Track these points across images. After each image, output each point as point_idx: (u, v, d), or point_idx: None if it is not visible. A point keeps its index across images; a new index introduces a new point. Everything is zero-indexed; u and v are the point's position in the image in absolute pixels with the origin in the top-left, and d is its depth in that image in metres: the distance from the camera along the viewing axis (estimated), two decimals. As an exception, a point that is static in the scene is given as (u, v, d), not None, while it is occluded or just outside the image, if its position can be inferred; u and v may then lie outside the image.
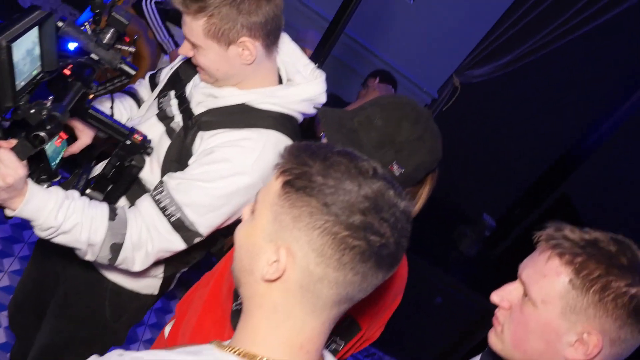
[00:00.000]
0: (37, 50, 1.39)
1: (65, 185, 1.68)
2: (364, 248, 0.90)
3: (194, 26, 1.53)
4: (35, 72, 1.41)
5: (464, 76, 5.06)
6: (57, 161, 1.66)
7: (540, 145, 5.37)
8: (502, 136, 5.40)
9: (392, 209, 0.93)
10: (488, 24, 4.66)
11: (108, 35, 1.51)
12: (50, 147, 1.62)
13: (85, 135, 1.70)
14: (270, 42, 1.62)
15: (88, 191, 1.70)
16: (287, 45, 1.75)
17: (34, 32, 1.36)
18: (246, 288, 1.02)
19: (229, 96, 1.63)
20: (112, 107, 1.72)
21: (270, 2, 1.55)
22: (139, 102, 1.92)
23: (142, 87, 1.97)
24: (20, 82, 1.34)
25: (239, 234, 1.04)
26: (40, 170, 1.59)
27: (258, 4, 1.53)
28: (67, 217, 1.48)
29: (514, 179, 5.49)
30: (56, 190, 1.49)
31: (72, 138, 1.73)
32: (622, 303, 1.17)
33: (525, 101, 5.27)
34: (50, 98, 1.38)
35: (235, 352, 0.96)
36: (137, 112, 1.88)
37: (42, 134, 1.32)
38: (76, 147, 1.69)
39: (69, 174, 1.80)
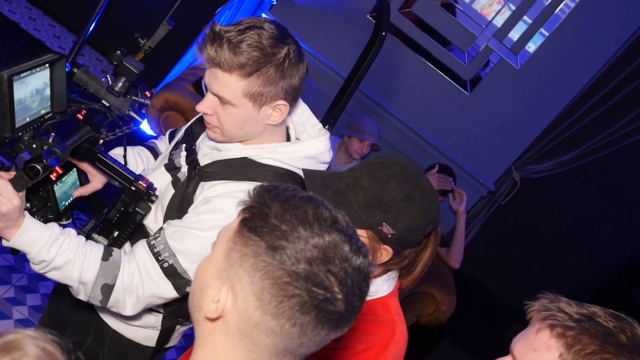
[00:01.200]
0: (48, 91, 1.48)
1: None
2: (304, 299, 0.87)
3: (234, 85, 1.51)
4: (43, 111, 1.49)
5: (524, 171, 4.97)
6: (67, 203, 1.72)
7: (604, 246, 5.12)
8: (562, 233, 5.19)
9: (343, 264, 0.89)
10: (547, 118, 4.61)
11: (120, 84, 1.59)
12: (60, 188, 1.69)
13: (96, 180, 1.75)
14: (294, 103, 1.65)
15: (94, 235, 1.74)
16: (300, 107, 1.78)
17: (45, 73, 1.45)
18: (195, 326, 1.00)
19: (232, 149, 1.66)
20: (124, 156, 1.79)
21: (304, 63, 1.58)
22: (156, 156, 1.99)
23: (162, 142, 2.04)
24: (25, 117, 1.42)
25: (197, 268, 1.03)
26: (48, 209, 1.66)
27: (298, 67, 1.55)
28: (59, 253, 1.51)
29: (574, 278, 5.21)
30: (52, 226, 1.53)
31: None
32: None
33: (589, 199, 5.09)
34: (52, 134, 1.45)
35: None
36: (153, 165, 1.94)
37: (37, 166, 1.38)
38: (86, 190, 1.75)
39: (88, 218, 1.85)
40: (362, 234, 1.46)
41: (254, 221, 0.91)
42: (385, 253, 1.48)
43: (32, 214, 1.60)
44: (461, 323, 4.19)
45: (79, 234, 1.64)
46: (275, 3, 4.67)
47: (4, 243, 1.50)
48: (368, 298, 1.54)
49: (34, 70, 1.41)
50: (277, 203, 0.92)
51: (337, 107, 2.03)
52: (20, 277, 3.25)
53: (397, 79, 4.60)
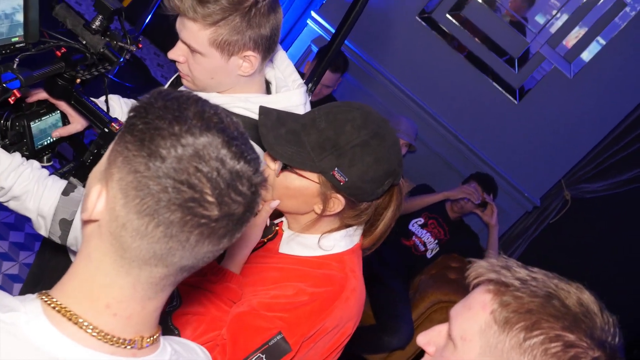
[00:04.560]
0: (20, 17, 1.49)
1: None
2: (168, 196, 0.81)
3: (200, 34, 1.51)
4: (15, 39, 1.50)
5: (576, 190, 4.72)
6: (44, 142, 1.73)
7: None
8: (615, 260, 4.87)
9: (216, 164, 0.82)
10: (601, 132, 4.36)
11: (97, 22, 1.59)
12: (38, 126, 1.70)
13: (76, 122, 1.76)
14: (268, 55, 1.62)
15: (71, 178, 1.73)
16: (284, 62, 1.75)
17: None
18: None
19: (205, 96, 1.63)
20: (106, 101, 1.78)
21: (276, 14, 1.56)
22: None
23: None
24: (-9, 41, 1.43)
25: None
26: (23, 145, 1.67)
27: (267, 17, 1.53)
28: (18, 181, 1.50)
29: (625, 311, 4.87)
30: (15, 155, 1.53)
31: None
32: (554, 351, 0.91)
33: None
34: (16, 60, 1.46)
35: (47, 301, 0.89)
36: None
37: (-5, 88, 1.39)
38: (65, 131, 1.75)
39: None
40: (314, 178, 1.40)
41: (133, 119, 0.86)
42: (338, 202, 1.41)
43: (6, 148, 1.61)
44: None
45: (54, 175, 1.64)
46: (325, 2, 4.67)
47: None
48: (323, 253, 1.48)
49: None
50: (162, 101, 0.86)
51: (321, 64, 1.98)
52: (28, 255, 3.31)
53: (442, 82, 4.48)
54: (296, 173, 1.43)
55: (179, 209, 0.81)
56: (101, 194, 0.87)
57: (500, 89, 4.42)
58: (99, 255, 0.88)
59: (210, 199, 0.82)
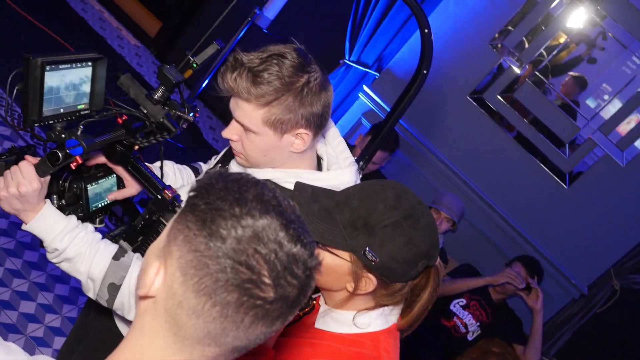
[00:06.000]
0: (87, 88, 1.57)
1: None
2: (227, 276, 0.83)
3: (254, 114, 1.55)
4: (80, 107, 1.57)
5: (626, 280, 4.57)
6: (99, 205, 1.78)
7: None
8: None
9: (274, 246, 0.84)
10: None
11: (159, 93, 1.66)
12: (94, 189, 1.75)
13: (131, 187, 1.81)
14: (319, 131, 1.65)
15: (120, 241, 1.77)
16: (336, 139, 1.77)
17: (86, 70, 1.54)
18: None
19: (258, 171, 1.66)
20: (161, 167, 1.83)
21: (327, 92, 1.59)
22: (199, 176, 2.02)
23: (208, 165, 2.08)
24: (58, 108, 1.50)
25: None
26: (78, 207, 1.72)
27: (319, 95, 1.56)
28: (72, 244, 1.55)
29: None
30: (70, 217, 1.58)
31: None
32: None
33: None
34: (80, 127, 1.52)
35: None
36: (192, 184, 1.98)
37: (58, 152, 1.45)
38: (120, 194, 1.80)
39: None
40: (345, 256, 1.39)
41: (195, 198, 0.89)
42: (369, 282, 1.40)
43: (63, 209, 1.66)
44: None
45: (105, 237, 1.68)
46: (377, 77, 4.76)
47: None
48: (358, 331, 1.46)
49: (74, 65, 1.50)
50: (222, 182, 0.90)
51: (373, 144, 2.00)
52: (71, 309, 3.35)
53: (491, 162, 4.47)
54: (328, 251, 1.43)
55: (236, 290, 0.83)
56: (159, 271, 0.89)
57: (549, 172, 4.37)
58: (152, 331, 0.89)
59: (267, 280, 0.83)
